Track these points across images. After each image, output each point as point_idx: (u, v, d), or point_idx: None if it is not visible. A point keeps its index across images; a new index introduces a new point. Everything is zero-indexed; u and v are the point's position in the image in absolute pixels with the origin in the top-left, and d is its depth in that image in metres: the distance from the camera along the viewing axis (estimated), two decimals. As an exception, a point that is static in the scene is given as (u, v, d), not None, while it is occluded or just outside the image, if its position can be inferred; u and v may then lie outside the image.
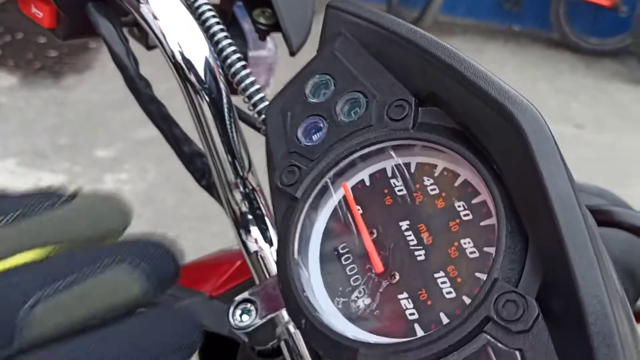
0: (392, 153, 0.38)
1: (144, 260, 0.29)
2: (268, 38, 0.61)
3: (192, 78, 0.47)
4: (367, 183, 0.39)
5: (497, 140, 0.33)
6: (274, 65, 0.62)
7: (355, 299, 0.35)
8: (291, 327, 0.47)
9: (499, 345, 0.30)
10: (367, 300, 0.35)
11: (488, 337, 0.30)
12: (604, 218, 0.76)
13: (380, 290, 0.35)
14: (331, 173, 0.38)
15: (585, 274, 0.27)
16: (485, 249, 0.34)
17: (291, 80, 0.43)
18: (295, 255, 0.37)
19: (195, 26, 0.50)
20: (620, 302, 0.33)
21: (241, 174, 0.50)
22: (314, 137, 0.40)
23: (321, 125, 0.40)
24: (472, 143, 0.35)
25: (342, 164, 0.38)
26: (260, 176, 0.52)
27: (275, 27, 0.56)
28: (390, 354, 0.31)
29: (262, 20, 0.56)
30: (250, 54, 0.61)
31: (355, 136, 0.38)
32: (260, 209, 0.50)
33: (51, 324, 0.26)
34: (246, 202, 0.49)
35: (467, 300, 0.32)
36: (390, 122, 0.37)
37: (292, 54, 0.55)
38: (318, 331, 0.34)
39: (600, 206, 0.78)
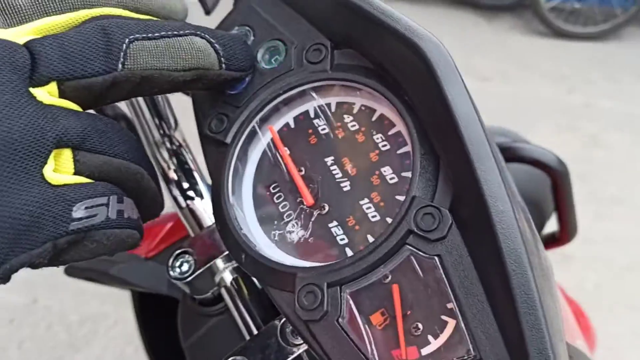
0: (314, 94, 0.41)
1: (221, 41, 0.38)
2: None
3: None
4: (292, 125, 0.41)
5: (407, 73, 0.36)
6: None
7: (290, 230, 0.38)
8: (228, 275, 0.50)
9: (420, 253, 0.33)
10: (301, 231, 0.38)
11: (410, 247, 0.34)
12: (508, 154, 0.83)
13: (312, 220, 0.38)
14: (257, 118, 0.40)
15: (488, 180, 0.31)
16: (403, 174, 0.37)
17: (211, 33, 0.44)
18: (230, 197, 0.39)
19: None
20: (520, 207, 0.37)
21: (167, 131, 0.51)
22: (240, 85, 0.42)
23: (244, 73, 0.42)
24: (386, 79, 0.38)
25: (267, 109, 0.40)
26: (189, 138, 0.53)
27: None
28: (326, 273, 0.34)
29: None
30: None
31: (277, 81, 0.41)
32: (188, 164, 0.51)
33: (143, 62, 0.34)
34: (174, 159, 0.51)
35: (391, 221, 0.36)
36: (309, 65, 0.40)
37: (208, 12, 0.57)
38: (257, 262, 0.36)
39: (503, 144, 0.84)
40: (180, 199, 0.50)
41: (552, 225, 1.02)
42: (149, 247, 0.63)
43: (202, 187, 0.51)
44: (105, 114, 0.54)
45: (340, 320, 0.34)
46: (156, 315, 0.70)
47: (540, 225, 0.94)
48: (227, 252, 0.48)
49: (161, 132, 0.51)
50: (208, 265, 0.47)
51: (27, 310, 1.98)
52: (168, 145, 0.50)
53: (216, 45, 0.37)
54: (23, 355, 1.85)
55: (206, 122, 0.41)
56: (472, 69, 3.59)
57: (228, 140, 0.40)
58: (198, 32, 0.37)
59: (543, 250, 0.39)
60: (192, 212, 0.50)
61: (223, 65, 0.38)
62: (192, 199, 0.51)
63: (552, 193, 0.86)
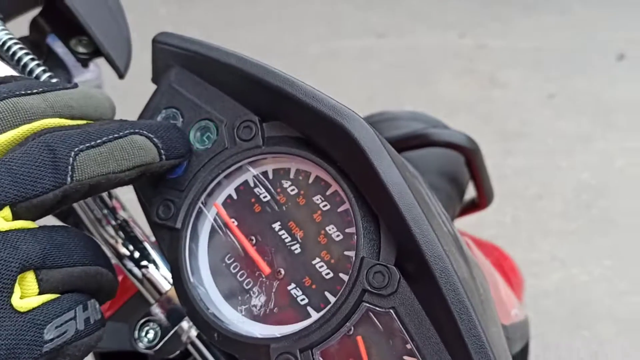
0: (250, 168, 0.43)
1: (158, 133, 0.40)
2: (89, 61, 0.62)
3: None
4: (235, 197, 0.44)
5: (334, 146, 0.39)
6: (101, 86, 0.63)
7: (254, 301, 0.41)
8: (194, 331, 0.52)
9: (377, 308, 0.38)
10: (263, 299, 0.41)
11: (367, 304, 0.38)
12: (422, 141, 0.89)
13: (272, 288, 0.41)
14: (202, 198, 0.43)
15: (426, 242, 0.36)
16: (347, 230, 0.41)
17: (138, 118, 0.46)
18: (191, 279, 0.42)
19: (6, 68, 0.49)
20: (455, 244, 0.42)
21: (109, 206, 0.52)
22: (178, 170, 0.44)
23: (180, 156, 0.44)
24: (316, 147, 0.41)
25: (209, 188, 0.43)
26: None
27: (96, 53, 0.57)
28: (297, 340, 0.38)
29: (80, 49, 0.57)
30: (76, 80, 0.61)
31: (214, 161, 0.43)
32: (135, 235, 0.53)
33: (90, 171, 0.35)
34: (120, 233, 0.52)
35: (344, 277, 0.40)
36: (242, 142, 0.42)
37: (121, 76, 0.57)
38: (231, 340, 0.39)
39: (417, 131, 0.90)
40: (135, 270, 0.52)
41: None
42: (104, 307, 0.64)
43: (153, 254, 0.53)
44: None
45: (317, 381, 0.37)
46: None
47: (460, 196, 1.01)
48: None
49: (102, 209, 0.52)
50: (175, 329, 0.50)
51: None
52: (112, 221, 0.52)
53: (155, 139, 0.39)
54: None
55: (153, 210, 0.43)
56: (367, 26, 3.65)
57: (178, 225, 0.42)
58: (136, 130, 0.38)
59: (477, 272, 0.44)
60: (149, 280, 0.52)
61: (163, 157, 0.40)
62: (146, 267, 0.52)
63: (467, 167, 0.93)
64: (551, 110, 3.02)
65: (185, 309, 0.41)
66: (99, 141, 0.36)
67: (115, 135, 0.37)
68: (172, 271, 0.42)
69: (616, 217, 2.45)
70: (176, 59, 0.45)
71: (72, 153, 0.35)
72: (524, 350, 0.88)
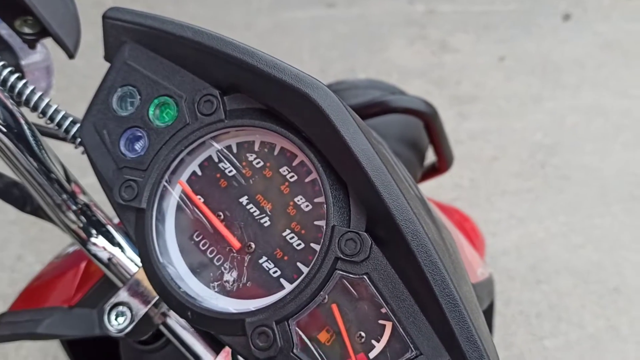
0: (213, 143, 0.42)
1: None
2: (36, 42, 0.59)
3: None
4: (199, 173, 0.43)
5: (299, 116, 0.39)
6: (51, 67, 0.60)
7: (226, 277, 0.41)
8: (165, 312, 0.51)
9: (350, 275, 0.38)
10: (236, 274, 0.41)
11: (340, 272, 0.38)
12: (381, 108, 0.89)
13: (243, 262, 0.41)
14: (166, 176, 0.42)
15: (396, 206, 0.36)
16: (316, 200, 0.41)
17: (93, 97, 0.44)
18: (160, 259, 0.41)
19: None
20: (422, 206, 0.43)
21: (68, 190, 0.51)
22: (137, 148, 0.43)
23: (140, 134, 0.43)
24: (279, 118, 0.41)
25: (172, 166, 0.42)
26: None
27: (43, 33, 0.55)
28: (272, 312, 0.38)
29: (26, 30, 0.55)
30: (23, 62, 0.59)
31: (176, 138, 0.42)
32: (97, 218, 0.51)
33: None
34: (82, 217, 0.51)
35: (315, 246, 0.40)
36: (204, 117, 0.42)
37: (71, 56, 0.55)
38: (205, 317, 0.39)
39: (376, 98, 0.90)
40: (100, 255, 0.51)
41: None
42: (68, 293, 0.63)
43: (118, 237, 0.52)
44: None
45: (294, 350, 0.38)
46: (91, 353, 0.71)
47: (421, 161, 1.02)
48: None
49: (60, 194, 0.50)
50: (145, 311, 0.49)
51: None
52: (72, 206, 0.50)
53: None
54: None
55: (116, 191, 0.42)
56: (317, -4, 3.61)
57: (143, 205, 0.41)
58: None
59: (446, 233, 0.45)
60: (115, 263, 0.51)
61: None
62: (111, 252, 0.51)
63: (426, 132, 0.94)
64: (502, 72, 3.05)
65: (157, 290, 0.41)
66: None
67: None
68: (140, 252, 0.42)
69: (569, 174, 2.52)
70: (129, 34, 0.44)
71: None
72: (490, 307, 0.90)
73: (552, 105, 2.85)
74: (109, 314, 0.49)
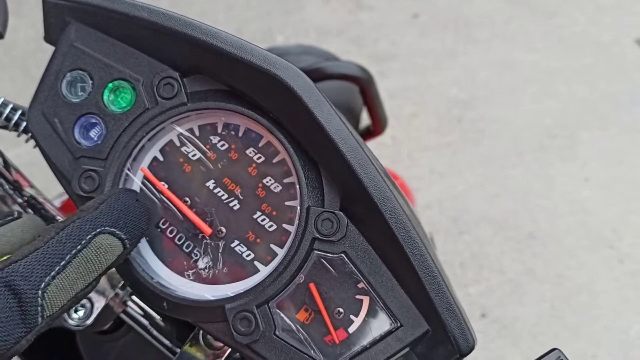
0: (174, 126, 0.41)
1: (120, 222, 0.35)
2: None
3: None
4: (161, 158, 0.42)
5: (267, 97, 0.38)
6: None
7: (199, 264, 0.40)
8: (126, 299, 0.50)
9: (329, 255, 0.38)
10: (209, 261, 0.40)
11: (318, 252, 0.38)
12: (317, 75, 0.88)
13: (216, 248, 0.40)
14: (127, 164, 0.40)
15: (373, 184, 0.36)
16: (285, 180, 0.40)
17: (40, 84, 0.41)
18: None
19: None
20: (391, 182, 0.43)
21: (10, 180, 0.48)
22: (93, 136, 0.41)
23: (95, 121, 0.41)
24: (243, 99, 0.40)
25: (134, 153, 0.40)
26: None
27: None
28: (252, 297, 0.38)
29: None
30: (-58, 43, 0.54)
31: (136, 124, 0.40)
32: (46, 211, 0.49)
33: (61, 301, 0.32)
34: (30, 210, 0.48)
35: (288, 227, 0.40)
36: (164, 101, 0.40)
37: (1, 36, 0.51)
38: (182, 306, 0.38)
39: (311, 65, 0.89)
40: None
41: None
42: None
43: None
44: None
45: (277, 332, 0.38)
46: (51, 347, 0.68)
47: (355, 124, 1.03)
48: (122, 283, 0.48)
49: (2, 185, 0.47)
50: (106, 302, 0.48)
51: None
52: (18, 199, 0.47)
53: (118, 232, 0.35)
54: None
55: (75, 183, 0.40)
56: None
57: (106, 196, 0.40)
58: (98, 230, 0.34)
59: (410, 205, 0.46)
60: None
61: (128, 246, 0.36)
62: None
63: (362, 97, 0.95)
64: (417, 29, 3.10)
65: (129, 283, 0.40)
66: (63, 263, 0.32)
67: (78, 247, 0.32)
68: (107, 245, 0.40)
69: (484, 127, 2.62)
70: (74, 14, 0.41)
71: (39, 291, 0.30)
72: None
73: (465, 60, 2.94)
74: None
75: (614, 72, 2.83)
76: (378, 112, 0.99)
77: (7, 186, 0.48)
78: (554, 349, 0.34)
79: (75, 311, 0.48)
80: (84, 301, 0.48)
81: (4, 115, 0.45)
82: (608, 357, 1.91)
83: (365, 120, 1.07)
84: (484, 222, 2.30)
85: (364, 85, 0.91)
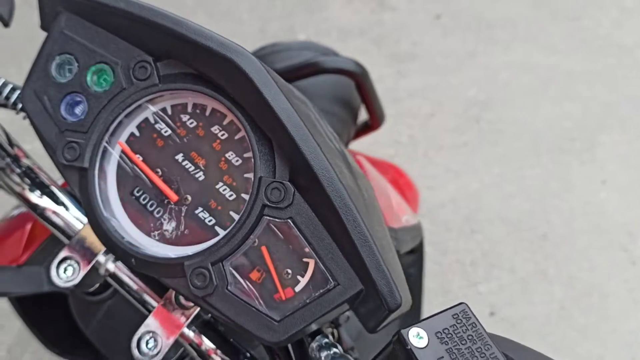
0: (149, 105, 0.46)
1: None
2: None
3: None
4: (137, 134, 0.47)
5: (227, 79, 0.43)
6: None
7: (165, 227, 0.45)
8: (111, 265, 0.55)
9: (276, 220, 0.43)
10: (174, 224, 0.45)
11: (268, 217, 0.43)
12: (313, 69, 0.93)
13: (181, 213, 0.45)
14: (106, 137, 0.45)
15: (313, 157, 0.41)
16: (245, 155, 0.45)
17: (33, 65, 0.47)
18: (104, 212, 0.45)
19: None
20: (342, 158, 0.48)
21: (10, 154, 0.53)
22: (77, 112, 0.46)
23: (79, 99, 0.46)
24: (210, 82, 0.45)
25: (111, 128, 0.46)
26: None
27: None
28: (207, 255, 0.43)
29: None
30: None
31: (114, 102, 0.45)
32: (41, 180, 0.54)
33: None
34: (26, 179, 0.54)
35: (245, 196, 0.44)
36: (139, 82, 0.45)
37: (6, 24, 0.57)
38: (147, 262, 0.44)
39: (308, 60, 0.94)
40: (47, 214, 0.54)
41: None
42: (16, 253, 0.66)
43: (61, 197, 0.55)
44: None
45: (228, 287, 0.43)
46: (42, 311, 0.74)
47: (354, 119, 1.07)
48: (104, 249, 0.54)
49: (4, 158, 0.53)
50: (92, 264, 0.53)
51: None
52: (16, 169, 0.53)
53: None
54: None
55: (59, 152, 0.45)
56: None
57: (86, 164, 0.45)
58: None
59: (363, 182, 0.50)
60: (60, 222, 0.55)
61: None
62: (56, 211, 0.54)
63: (358, 92, 0.99)
64: (438, 30, 3.12)
65: (103, 241, 0.45)
66: None
67: None
68: (85, 208, 0.45)
69: (503, 128, 2.63)
70: (64, 5, 0.47)
71: None
72: (419, 253, 0.97)
73: (485, 61, 2.95)
74: (57, 268, 0.53)
75: (635, 76, 2.81)
76: (375, 106, 1.03)
77: (7, 159, 0.54)
78: (461, 303, 0.37)
79: (64, 271, 0.53)
80: (72, 262, 0.53)
81: (4, 94, 0.51)
82: (615, 358, 1.92)
83: (364, 115, 1.11)
84: (498, 222, 2.31)
85: (359, 80, 0.95)
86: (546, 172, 2.43)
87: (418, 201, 1.42)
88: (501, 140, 2.60)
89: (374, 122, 1.08)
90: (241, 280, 0.43)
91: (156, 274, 0.44)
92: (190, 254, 0.43)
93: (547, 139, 2.55)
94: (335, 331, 0.67)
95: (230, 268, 0.43)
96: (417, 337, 0.36)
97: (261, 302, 0.42)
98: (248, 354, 0.53)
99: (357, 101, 1.04)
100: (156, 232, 0.45)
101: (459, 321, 0.37)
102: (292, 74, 0.94)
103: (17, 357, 1.80)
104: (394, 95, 2.83)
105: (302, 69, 0.93)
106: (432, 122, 2.70)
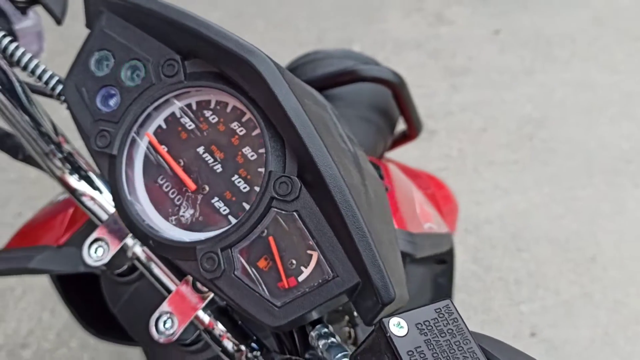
0: (175, 101, 0.50)
1: None
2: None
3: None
4: (164, 127, 0.51)
5: (244, 79, 0.46)
6: (42, 32, 0.67)
7: (182, 213, 0.49)
8: (138, 248, 0.59)
9: (283, 212, 0.45)
10: (191, 211, 0.49)
11: (275, 209, 0.46)
12: (351, 77, 0.96)
13: (198, 201, 0.49)
14: (135, 128, 0.49)
15: (318, 155, 0.43)
16: (260, 150, 0.48)
17: (75, 59, 0.51)
18: (128, 197, 0.49)
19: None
20: (353, 159, 0.50)
21: (54, 141, 0.58)
22: (111, 104, 0.50)
23: (113, 92, 0.50)
24: (230, 81, 0.48)
25: (140, 119, 0.49)
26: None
27: (34, 1, 0.62)
28: (218, 241, 0.46)
29: (19, -2, 0.62)
30: (17, 27, 0.66)
31: (144, 96, 0.49)
32: (81, 166, 0.59)
33: None
34: (67, 164, 0.58)
35: (257, 189, 0.47)
36: (167, 78, 0.49)
37: (59, 22, 0.62)
38: (164, 245, 0.47)
39: (346, 68, 0.97)
40: (83, 199, 0.59)
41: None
42: (58, 234, 0.71)
43: (98, 182, 0.60)
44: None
45: (235, 273, 0.46)
46: (79, 289, 0.79)
47: (391, 128, 1.09)
48: (134, 232, 0.58)
49: (49, 144, 0.58)
50: (120, 245, 0.57)
51: None
52: (59, 154, 0.58)
53: None
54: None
55: (92, 140, 0.49)
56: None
57: (115, 152, 0.49)
58: None
59: (373, 182, 0.52)
60: (95, 205, 0.59)
61: None
62: (92, 195, 0.59)
63: (395, 101, 1.01)
64: (496, 45, 3.10)
65: (125, 223, 0.49)
66: None
67: None
68: (112, 192, 0.49)
69: (556, 147, 2.58)
70: (106, 5, 0.51)
71: None
72: (449, 264, 0.98)
73: (542, 78, 2.91)
74: (89, 248, 0.57)
75: (700, 99, 2.71)
76: (412, 116, 1.05)
77: (52, 146, 0.59)
78: (445, 299, 0.39)
79: (95, 251, 0.57)
80: (102, 244, 0.57)
81: (50, 85, 0.56)
82: (658, 388, 1.85)
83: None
84: (545, 241, 2.27)
85: (396, 89, 0.97)
86: (598, 194, 2.37)
87: (456, 214, 1.42)
88: (553, 159, 2.55)
89: (412, 132, 1.10)
90: (247, 267, 0.46)
91: (171, 256, 0.47)
92: (203, 239, 0.46)
93: (601, 159, 2.49)
94: (352, 330, 0.70)
95: (239, 255, 0.46)
96: (397, 326, 0.37)
97: (264, 288, 0.45)
98: (255, 338, 0.56)
99: (395, 111, 1.06)
100: (174, 217, 0.49)
101: (441, 315, 0.38)
102: (331, 81, 0.97)
103: (65, 341, 1.89)
104: (446, 109, 2.82)
105: (340, 76, 0.96)
106: (484, 137, 2.68)
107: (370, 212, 0.45)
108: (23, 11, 0.64)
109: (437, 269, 1.02)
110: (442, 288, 1.05)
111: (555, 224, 2.31)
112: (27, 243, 0.72)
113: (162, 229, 0.48)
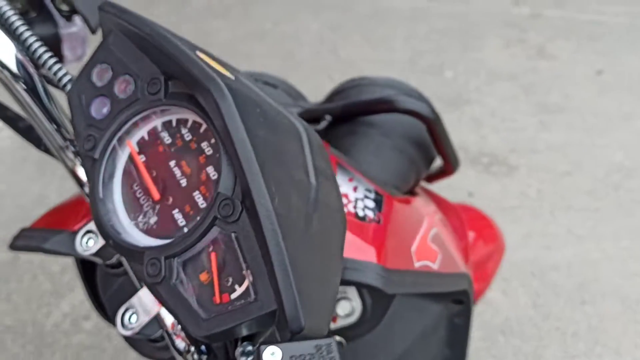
0: (158, 116, 0.55)
1: None
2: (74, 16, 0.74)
3: (7, 75, 0.61)
4: (146, 138, 0.55)
5: (208, 105, 0.50)
6: (86, 38, 0.75)
7: (145, 219, 0.53)
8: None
9: (223, 231, 0.49)
10: (155, 218, 0.53)
11: (217, 227, 0.49)
12: (387, 106, 0.97)
13: (161, 211, 0.53)
14: (117, 137, 0.55)
15: (255, 186, 0.46)
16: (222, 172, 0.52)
17: (82, 69, 0.58)
18: (101, 195, 0.54)
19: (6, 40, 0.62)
20: (306, 191, 0.53)
21: (68, 137, 0.65)
22: (103, 112, 0.56)
23: (106, 102, 0.56)
24: (200, 105, 0.52)
25: (124, 128, 0.55)
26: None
27: (75, 11, 0.69)
28: (163, 250, 0.50)
29: (63, 7, 0.69)
30: (63, 31, 0.74)
31: (130, 108, 0.55)
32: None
33: None
34: (79, 158, 0.65)
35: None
36: (149, 95, 0.54)
37: (93, 31, 0.69)
38: (120, 245, 0.52)
39: (383, 97, 0.98)
40: (86, 190, 0.65)
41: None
42: (76, 220, 0.79)
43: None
44: (18, 127, 0.68)
45: (173, 281, 0.49)
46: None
47: (429, 162, 1.09)
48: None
49: (62, 138, 0.65)
50: (108, 239, 0.63)
51: (11, 265, 2.16)
52: (72, 148, 0.65)
53: None
54: (12, 306, 2.04)
55: (81, 142, 0.55)
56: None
57: (97, 156, 0.55)
58: None
59: (329, 219, 0.55)
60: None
61: None
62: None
63: (429, 135, 1.02)
64: (597, 86, 2.97)
65: (94, 220, 0.54)
66: None
67: None
68: (89, 190, 0.55)
69: (643, 200, 2.44)
70: (114, 25, 0.57)
71: None
72: (466, 305, 0.97)
73: (640, 126, 2.75)
74: (81, 237, 0.64)
75: None
76: (447, 152, 1.05)
77: (67, 142, 0.65)
78: (330, 337, 0.40)
79: (87, 242, 0.64)
80: (93, 235, 0.63)
81: (63, 82, 0.63)
82: None
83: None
84: (613, 298, 2.15)
85: (430, 124, 0.98)
86: (683, 256, 2.22)
87: (500, 254, 1.39)
88: (638, 212, 2.41)
89: (447, 167, 1.09)
90: (184, 278, 0.49)
91: (125, 256, 0.52)
92: (153, 245, 0.51)
93: (693, 220, 2.33)
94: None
95: (180, 266, 0.50)
96: (271, 354, 0.40)
97: (196, 300, 0.49)
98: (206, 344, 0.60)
99: (432, 146, 1.06)
100: (140, 222, 0.53)
101: (320, 352, 0.40)
102: (368, 108, 1.00)
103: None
104: (532, 146, 2.74)
105: (376, 104, 0.98)
106: (566, 180, 2.58)
107: (302, 245, 0.47)
108: (68, 19, 0.71)
109: (454, 309, 1.01)
110: (459, 328, 1.04)
111: (628, 281, 2.18)
112: (51, 225, 0.79)
113: (125, 231, 0.53)
